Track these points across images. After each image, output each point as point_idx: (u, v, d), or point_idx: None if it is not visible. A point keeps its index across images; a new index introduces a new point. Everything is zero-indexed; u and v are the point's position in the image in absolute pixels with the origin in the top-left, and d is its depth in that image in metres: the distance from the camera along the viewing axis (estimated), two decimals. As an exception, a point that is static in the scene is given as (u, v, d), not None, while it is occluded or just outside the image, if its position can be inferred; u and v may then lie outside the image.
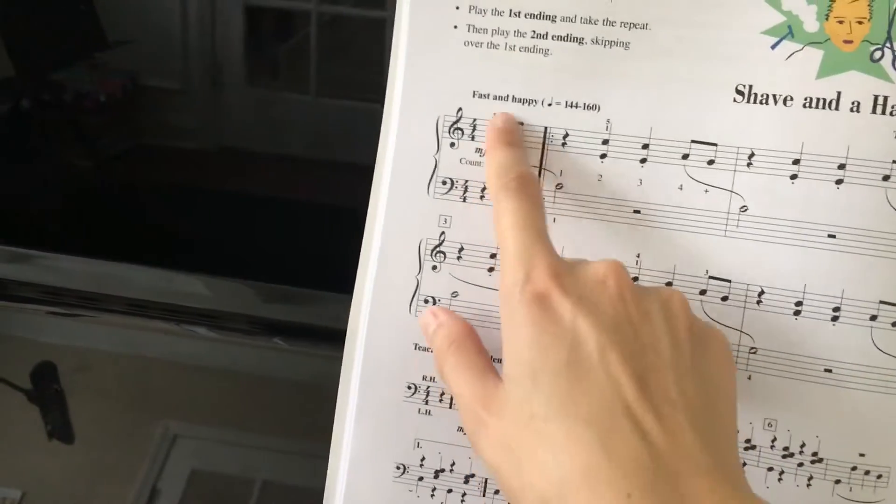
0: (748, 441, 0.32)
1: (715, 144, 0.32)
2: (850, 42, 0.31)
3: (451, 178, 0.35)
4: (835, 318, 0.31)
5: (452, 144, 0.35)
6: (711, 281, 0.32)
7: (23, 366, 0.47)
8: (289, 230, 0.47)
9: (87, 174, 0.52)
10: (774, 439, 0.32)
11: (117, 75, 0.51)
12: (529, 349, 0.28)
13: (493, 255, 0.35)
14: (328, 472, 0.36)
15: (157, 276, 0.46)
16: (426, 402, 0.35)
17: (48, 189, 0.52)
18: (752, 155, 0.32)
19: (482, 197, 0.35)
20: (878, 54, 0.31)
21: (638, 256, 0.33)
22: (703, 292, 0.32)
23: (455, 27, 0.35)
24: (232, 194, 0.50)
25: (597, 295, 0.29)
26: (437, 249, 0.35)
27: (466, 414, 0.31)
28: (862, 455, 0.31)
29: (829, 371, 0.31)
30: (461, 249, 0.35)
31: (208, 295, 0.46)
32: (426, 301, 0.35)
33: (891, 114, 0.31)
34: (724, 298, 0.32)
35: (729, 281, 0.32)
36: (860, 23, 0.31)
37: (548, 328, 0.28)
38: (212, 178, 0.51)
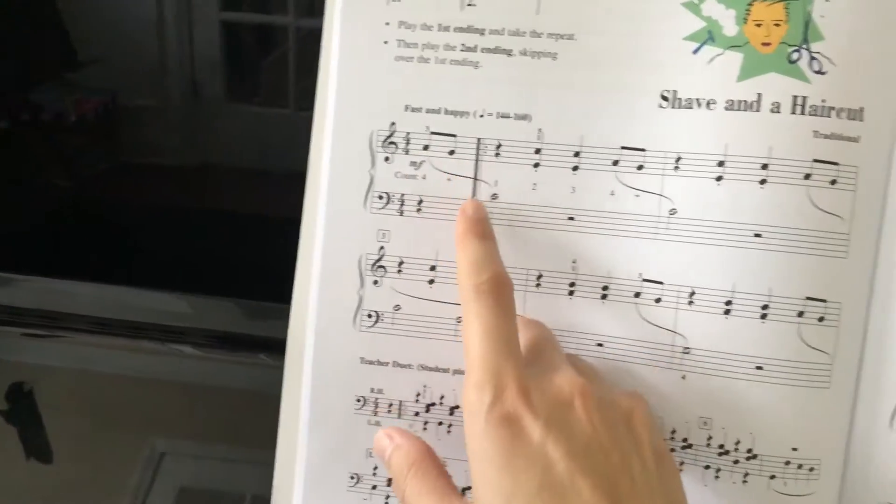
0: (685, 440, 0.30)
1: (643, 150, 0.30)
2: (769, 44, 0.29)
3: (387, 193, 0.33)
4: (763, 316, 0.29)
5: (387, 159, 0.33)
6: (645, 283, 0.30)
7: (-1, 386, 0.44)
8: (271, 246, 0.45)
9: (67, 194, 0.50)
10: (710, 437, 0.30)
11: (95, 93, 0.48)
12: (500, 472, 0.26)
13: (432, 268, 0.32)
14: (274, 484, 0.34)
15: (138, 296, 0.44)
16: (375, 414, 0.33)
17: (27, 210, 0.49)
18: (679, 159, 0.30)
19: (419, 210, 0.33)
20: (795, 55, 0.29)
21: (574, 262, 0.31)
22: (637, 295, 0.30)
23: (385, 42, 0.32)
24: (213, 211, 0.48)
25: (565, 417, 0.27)
26: (378, 264, 0.33)
27: None
28: (794, 449, 0.29)
29: (760, 368, 0.29)
30: (401, 263, 0.33)
31: (191, 313, 0.44)
32: (369, 315, 0.33)
33: (809, 114, 0.29)
34: (658, 300, 0.30)
35: (662, 283, 0.30)
36: (777, 25, 0.29)
37: (518, 451, 0.26)
38: (193, 196, 0.48)
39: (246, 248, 0.46)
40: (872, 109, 0.29)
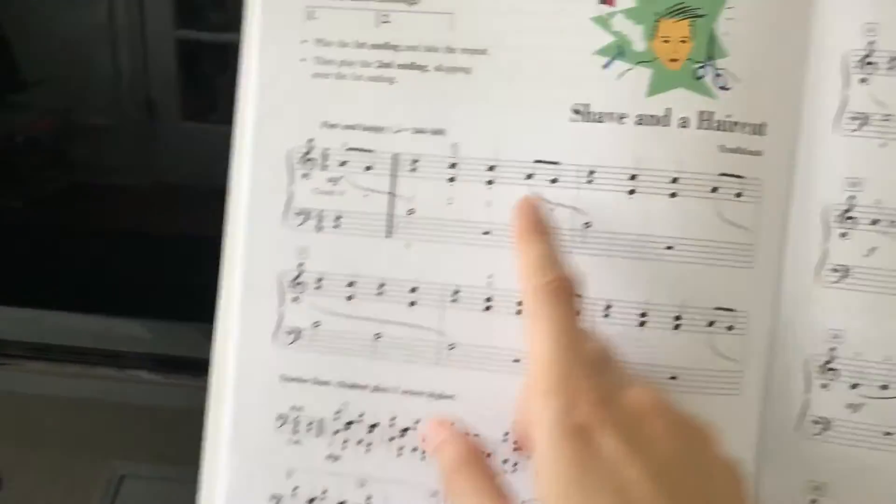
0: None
1: (557, 163, 0.30)
2: (676, 60, 0.29)
3: (305, 209, 0.32)
4: (677, 327, 0.29)
5: (305, 175, 0.32)
6: (561, 298, 0.31)
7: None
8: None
9: (19, 215, 0.47)
10: None
11: (47, 114, 0.46)
12: (570, 488, 0.24)
13: (351, 284, 0.32)
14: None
15: (94, 322, 0.42)
16: (295, 432, 0.32)
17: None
18: (592, 172, 0.30)
19: (337, 226, 0.32)
20: (701, 72, 0.29)
21: (490, 277, 0.31)
22: (553, 309, 0.32)
23: (303, 60, 0.32)
24: (170, 233, 0.46)
25: (642, 432, 0.25)
26: (297, 280, 0.32)
27: None
28: None
29: (675, 378, 0.29)
30: (320, 279, 0.32)
31: (149, 338, 0.42)
32: (289, 332, 0.32)
33: (715, 129, 0.29)
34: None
35: (578, 297, 0.31)
36: (684, 42, 0.29)
37: (591, 466, 0.24)
38: (148, 217, 0.46)
39: (205, 271, 0.45)
40: (774, 124, 0.29)
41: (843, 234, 0.29)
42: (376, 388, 0.32)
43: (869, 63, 0.29)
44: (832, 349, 0.29)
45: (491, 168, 0.31)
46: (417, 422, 0.32)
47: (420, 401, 0.32)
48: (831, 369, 0.29)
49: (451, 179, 0.32)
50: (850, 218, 0.29)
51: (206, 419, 0.33)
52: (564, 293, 0.27)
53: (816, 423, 0.29)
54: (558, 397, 0.25)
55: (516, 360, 0.30)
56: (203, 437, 0.33)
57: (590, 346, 0.28)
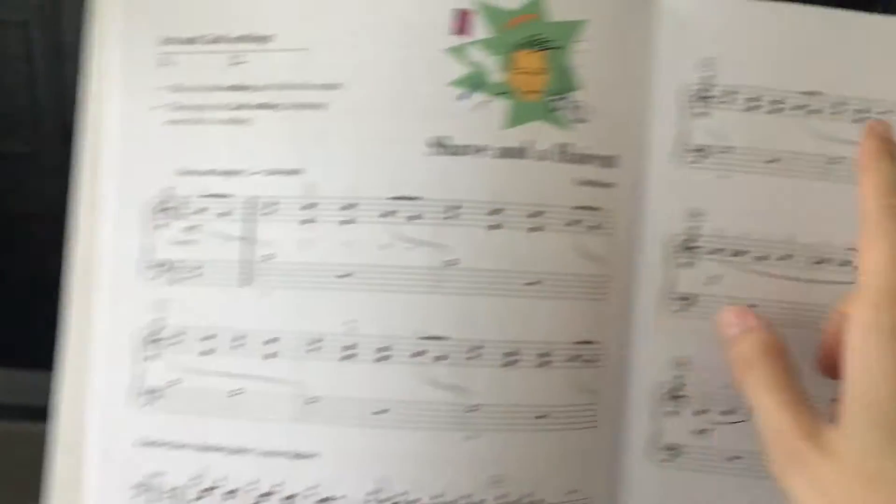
0: (482, 501, 0.28)
1: (418, 199, 0.29)
2: (533, 92, 0.29)
3: (163, 261, 0.29)
4: (543, 364, 0.28)
5: (162, 226, 0.29)
6: (426, 341, 0.28)
7: None
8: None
9: None
10: (504, 494, 0.28)
11: None
12: (891, 401, 0.23)
13: (210, 337, 0.29)
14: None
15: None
16: (153, 502, 0.29)
17: None
18: (454, 207, 0.28)
19: (195, 277, 0.29)
20: (557, 104, 0.29)
21: (351, 323, 0.28)
22: (418, 354, 0.28)
23: (157, 108, 0.30)
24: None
25: None
26: (155, 337, 0.29)
27: (777, 441, 0.25)
28: (573, 491, 0.29)
29: (543, 417, 0.29)
30: (178, 335, 0.29)
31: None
32: (147, 393, 0.29)
33: (572, 161, 0.29)
34: (440, 358, 0.28)
35: (444, 339, 0.28)
36: (539, 74, 0.29)
37: None
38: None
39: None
40: (625, 156, 0.30)
41: (687, 264, 0.30)
42: (236, 450, 0.29)
43: (707, 97, 0.30)
44: (678, 377, 0.30)
45: (349, 207, 0.29)
46: (278, 485, 0.29)
47: (280, 461, 0.29)
48: (678, 396, 0.30)
49: (309, 221, 0.29)
50: (693, 248, 0.30)
51: (51, 484, 0.29)
52: None
53: (666, 450, 0.30)
54: (891, 308, 0.24)
55: (380, 412, 0.28)
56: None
57: None
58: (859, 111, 0.30)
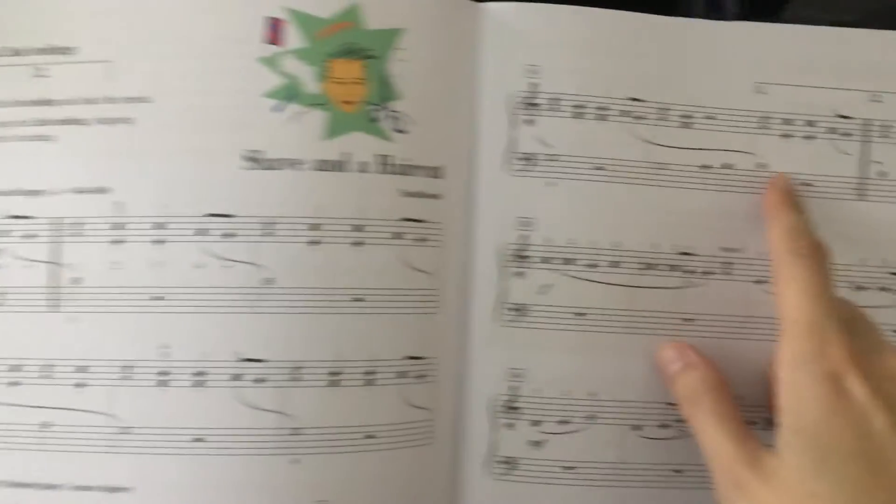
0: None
1: (231, 216, 0.27)
2: (351, 103, 0.28)
3: None
4: (369, 382, 0.27)
5: None
6: (244, 364, 0.27)
7: None
8: None
9: None
10: None
11: None
12: (818, 426, 0.25)
13: (15, 368, 0.27)
14: None
15: None
16: None
17: None
18: (270, 224, 0.27)
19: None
20: (376, 114, 0.28)
21: (164, 348, 0.27)
22: (236, 377, 0.27)
23: None
24: None
25: (893, 390, 0.25)
26: None
27: (723, 469, 0.26)
28: None
29: (371, 437, 0.27)
30: None
31: None
32: None
33: (395, 173, 0.28)
34: (260, 381, 0.27)
35: (263, 361, 0.27)
36: (357, 84, 0.28)
37: (840, 410, 0.25)
38: None
39: None
40: (451, 166, 0.29)
41: (519, 274, 0.29)
42: (48, 486, 0.27)
43: (533, 104, 0.29)
44: (514, 388, 0.29)
45: (160, 226, 0.27)
46: (91, 523, 0.28)
47: (94, 496, 0.27)
48: (514, 408, 0.29)
49: (118, 241, 0.27)
50: (523, 257, 0.29)
51: None
52: (819, 255, 0.28)
53: (503, 463, 0.29)
54: (811, 341, 0.26)
55: (198, 440, 0.27)
56: None
57: (844, 308, 0.28)
58: (684, 116, 0.29)
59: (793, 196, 0.30)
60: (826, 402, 0.25)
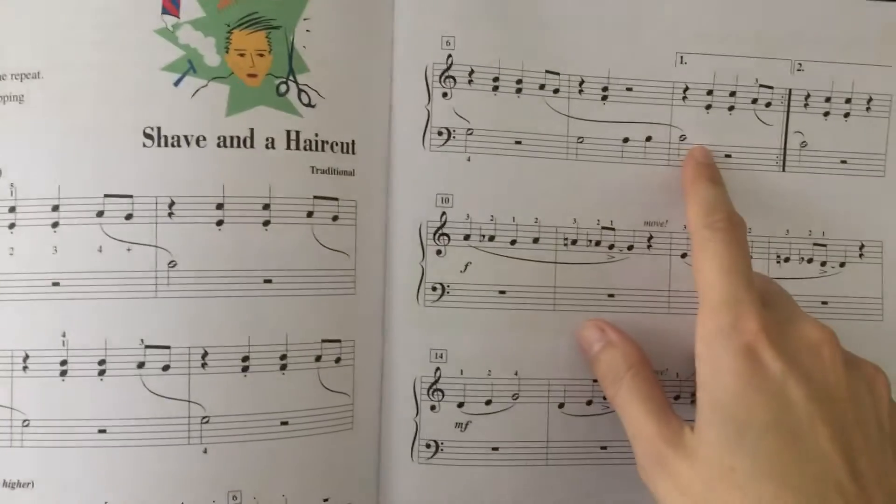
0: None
1: (131, 196, 0.26)
2: (255, 76, 0.26)
3: None
4: (283, 367, 0.26)
5: None
6: (149, 350, 0.25)
7: None
8: None
9: None
10: None
11: None
12: (735, 400, 0.25)
13: None
14: None
15: None
16: None
17: None
18: (172, 204, 0.26)
19: None
20: (283, 87, 0.26)
21: (64, 336, 0.25)
22: (140, 365, 0.25)
23: None
24: None
25: (808, 361, 0.25)
26: None
27: (645, 448, 0.26)
28: (326, 500, 0.27)
29: (286, 423, 0.26)
30: None
31: None
32: None
33: (304, 148, 0.27)
34: (166, 368, 0.26)
35: (168, 347, 0.26)
36: (261, 55, 0.26)
37: (756, 383, 0.25)
38: None
39: None
40: (364, 141, 0.28)
41: (439, 252, 0.28)
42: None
43: (449, 77, 0.28)
44: (437, 369, 0.28)
45: (55, 208, 0.26)
46: (-6, 521, 0.27)
47: (-6, 494, 0.26)
48: (438, 390, 0.28)
49: (11, 226, 0.26)
50: (443, 235, 0.28)
51: None
52: (735, 228, 0.27)
53: (428, 446, 0.28)
54: (727, 315, 0.25)
55: (102, 431, 0.25)
56: None
57: (759, 281, 0.27)
58: (603, 89, 0.28)
59: (710, 169, 0.30)
60: (742, 376, 0.25)
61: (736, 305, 0.26)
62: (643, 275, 0.29)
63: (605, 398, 0.28)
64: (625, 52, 0.29)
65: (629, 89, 0.29)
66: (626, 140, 0.29)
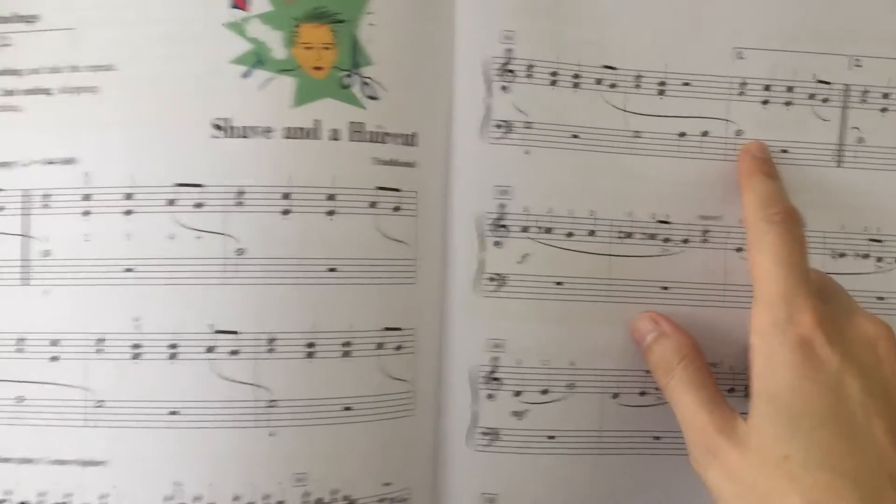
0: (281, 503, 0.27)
1: (201, 185, 0.26)
2: (321, 69, 0.27)
3: None
4: (346, 353, 0.27)
5: None
6: (218, 336, 0.26)
7: None
8: None
9: None
10: (307, 494, 0.26)
11: None
12: (790, 392, 0.25)
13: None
14: None
15: None
16: None
17: None
18: (241, 193, 0.26)
19: None
20: (347, 80, 0.27)
21: (137, 320, 0.26)
22: (210, 349, 0.26)
23: None
24: None
25: (864, 355, 0.25)
26: None
27: (697, 436, 0.26)
28: (387, 484, 0.27)
29: (349, 409, 0.27)
30: None
31: None
32: None
33: (367, 140, 0.27)
34: (234, 353, 0.26)
35: (237, 333, 0.26)
36: (327, 48, 0.27)
37: (811, 376, 0.25)
38: None
39: None
40: (425, 134, 0.28)
41: (497, 243, 0.28)
42: (24, 460, 0.26)
43: (509, 71, 0.28)
44: (495, 359, 0.28)
45: (128, 196, 0.26)
46: (69, 496, 0.27)
47: (70, 470, 0.26)
48: (495, 379, 0.28)
49: (86, 213, 0.26)
50: (502, 226, 0.28)
51: None
52: (791, 222, 0.27)
53: (485, 434, 0.29)
54: (783, 308, 0.25)
55: (173, 413, 0.26)
56: None
57: (815, 276, 0.27)
58: (660, 84, 0.28)
59: (767, 163, 0.29)
60: (797, 369, 0.25)
61: (792, 299, 0.26)
62: (697, 268, 0.29)
63: (658, 389, 0.28)
64: (682, 47, 0.29)
65: (686, 84, 0.29)
66: (682, 134, 0.29)
